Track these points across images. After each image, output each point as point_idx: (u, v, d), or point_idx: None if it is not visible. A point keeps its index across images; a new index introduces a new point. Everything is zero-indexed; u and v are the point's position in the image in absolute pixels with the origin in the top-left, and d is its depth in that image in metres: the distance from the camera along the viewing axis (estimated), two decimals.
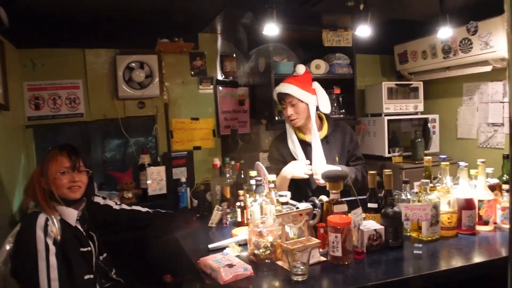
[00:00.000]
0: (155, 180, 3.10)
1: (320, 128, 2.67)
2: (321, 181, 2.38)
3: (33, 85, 3.15)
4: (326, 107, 2.61)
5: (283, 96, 2.58)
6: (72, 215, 1.92)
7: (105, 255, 2.08)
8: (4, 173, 2.48)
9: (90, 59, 3.28)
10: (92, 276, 1.89)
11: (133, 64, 3.28)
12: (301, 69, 2.63)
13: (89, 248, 1.95)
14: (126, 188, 3.08)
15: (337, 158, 2.61)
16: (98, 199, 2.29)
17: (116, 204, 2.36)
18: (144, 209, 2.46)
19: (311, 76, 2.68)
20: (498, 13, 3.08)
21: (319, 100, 2.59)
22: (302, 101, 2.54)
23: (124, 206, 2.39)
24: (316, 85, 2.63)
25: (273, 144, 2.82)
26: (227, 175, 2.61)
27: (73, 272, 1.81)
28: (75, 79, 3.25)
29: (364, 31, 2.58)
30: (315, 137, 2.57)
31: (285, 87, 2.57)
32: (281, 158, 2.68)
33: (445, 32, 2.86)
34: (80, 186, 1.96)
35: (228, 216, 2.41)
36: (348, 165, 2.68)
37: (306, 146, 2.61)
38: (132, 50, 3.32)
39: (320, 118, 2.71)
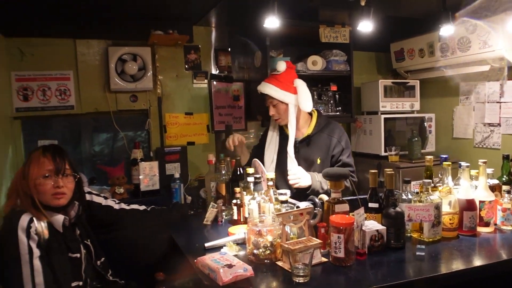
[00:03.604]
0: (147, 175, 3.01)
1: (305, 127, 2.60)
2: (291, 182, 2.37)
3: (21, 76, 3.06)
4: (306, 106, 2.51)
5: (264, 96, 2.55)
6: (58, 221, 1.78)
7: (103, 259, 2.00)
8: None
9: (81, 49, 3.19)
10: (80, 283, 1.80)
11: (126, 56, 3.21)
12: (281, 66, 2.54)
13: (78, 255, 1.84)
14: (118, 183, 3.00)
15: (318, 161, 2.53)
16: (99, 200, 2.18)
17: (116, 203, 2.27)
18: (142, 207, 2.38)
19: (293, 72, 2.59)
20: (498, 12, 3.05)
21: (299, 98, 2.49)
22: (282, 102, 2.49)
23: (124, 206, 2.29)
24: (298, 83, 2.53)
25: (267, 131, 2.77)
26: (223, 172, 2.54)
27: (58, 277, 1.69)
28: (65, 70, 3.16)
29: (366, 26, 2.52)
30: (291, 137, 2.51)
31: (264, 87, 2.52)
32: (261, 147, 2.71)
33: (447, 30, 2.82)
34: (65, 193, 1.80)
35: (223, 213, 2.35)
36: None
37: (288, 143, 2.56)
38: (124, 42, 3.25)
39: (310, 115, 2.63)
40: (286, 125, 2.58)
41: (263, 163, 2.55)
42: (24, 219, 1.66)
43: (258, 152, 2.73)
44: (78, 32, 3.16)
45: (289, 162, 2.48)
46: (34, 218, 1.69)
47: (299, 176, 2.37)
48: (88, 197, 2.10)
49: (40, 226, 1.70)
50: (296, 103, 2.50)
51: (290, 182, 2.38)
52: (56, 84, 3.13)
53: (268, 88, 2.50)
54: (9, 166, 2.83)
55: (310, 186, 2.38)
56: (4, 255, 1.65)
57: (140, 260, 2.35)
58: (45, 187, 1.75)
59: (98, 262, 1.97)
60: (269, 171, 2.50)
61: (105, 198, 2.24)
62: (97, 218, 2.13)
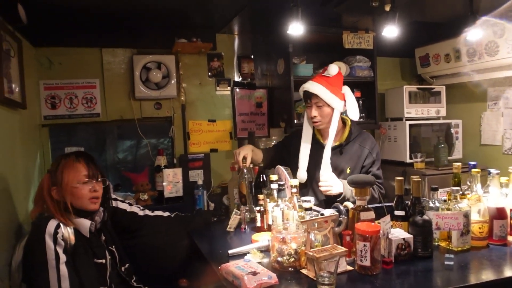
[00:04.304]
0: (171, 182, 3.04)
1: (339, 135, 2.53)
2: (323, 188, 2.32)
3: (49, 84, 3.14)
4: (355, 114, 2.46)
5: (309, 95, 2.44)
6: (85, 226, 1.82)
7: (127, 265, 2.02)
8: (20, 172, 2.45)
9: (107, 58, 3.26)
10: None
11: (150, 64, 3.25)
12: (333, 69, 2.47)
13: (104, 261, 1.86)
14: (142, 190, 3.04)
15: (348, 170, 2.46)
16: (124, 206, 2.21)
17: (140, 210, 2.29)
18: (166, 214, 2.40)
19: (342, 78, 2.52)
20: None
21: (348, 106, 2.44)
22: (328, 105, 2.41)
23: (148, 212, 2.32)
24: (346, 90, 2.48)
25: (293, 133, 2.72)
26: (245, 170, 2.47)
27: (83, 283, 1.72)
28: (92, 78, 3.22)
29: (391, 31, 2.49)
30: (328, 144, 2.44)
31: (314, 87, 2.41)
32: (285, 146, 2.67)
33: (474, 34, 2.76)
34: (99, 197, 1.87)
35: (246, 213, 2.32)
36: None
37: (320, 149, 2.49)
38: (149, 50, 3.30)
39: (344, 123, 2.56)
40: (319, 131, 2.55)
41: (287, 165, 2.55)
42: (51, 225, 1.70)
43: (281, 152, 2.70)
44: (104, 41, 3.23)
45: (322, 168, 2.41)
46: (61, 224, 1.72)
47: (331, 184, 2.31)
48: (113, 203, 2.13)
49: (67, 231, 1.73)
50: (342, 109, 2.44)
51: (322, 189, 2.33)
52: (83, 92, 3.20)
53: (318, 88, 2.40)
54: (37, 172, 2.90)
55: (341, 194, 2.33)
56: (31, 260, 1.69)
57: (163, 266, 2.36)
58: (82, 192, 1.80)
59: (123, 268, 1.99)
60: (302, 177, 2.47)
61: (130, 204, 2.27)
62: (122, 224, 2.16)
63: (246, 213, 2.33)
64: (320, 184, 2.34)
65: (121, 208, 2.19)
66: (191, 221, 2.40)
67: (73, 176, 1.80)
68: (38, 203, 1.83)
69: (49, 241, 1.66)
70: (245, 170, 2.47)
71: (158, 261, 2.36)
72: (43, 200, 1.80)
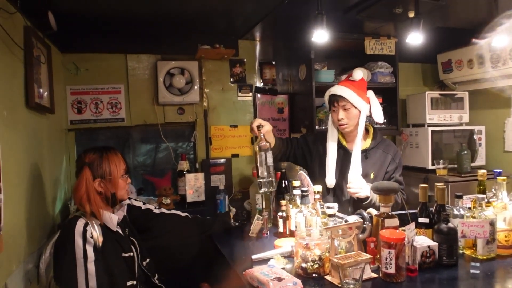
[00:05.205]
0: (193, 186, 3.08)
1: (363, 140, 2.53)
2: (352, 190, 2.30)
3: (76, 89, 3.21)
4: (379, 117, 2.48)
5: (337, 99, 2.46)
6: (113, 219, 1.87)
7: (148, 260, 2.04)
8: (48, 176, 2.51)
9: (132, 64, 3.32)
10: (134, 282, 1.85)
11: (174, 70, 3.30)
12: (358, 74, 2.50)
13: (131, 253, 1.90)
14: (165, 194, 3.08)
15: (372, 175, 2.47)
16: (139, 204, 2.26)
17: (156, 208, 2.33)
18: (183, 214, 2.42)
19: (366, 83, 2.55)
20: None
21: (373, 109, 2.47)
22: (355, 107, 2.43)
23: (164, 210, 2.35)
24: (370, 94, 2.50)
25: (315, 137, 2.70)
26: (262, 136, 2.24)
27: (114, 278, 1.76)
28: (117, 84, 3.29)
29: (415, 38, 2.48)
30: (357, 146, 2.44)
31: (341, 90, 2.45)
32: (307, 145, 2.63)
33: (499, 40, 2.73)
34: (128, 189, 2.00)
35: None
36: None
37: (344, 153, 2.51)
38: (173, 56, 3.35)
39: (366, 130, 2.57)
40: (343, 135, 2.56)
41: (305, 166, 2.58)
42: (80, 224, 1.74)
43: (302, 150, 2.66)
44: (129, 47, 3.30)
45: (352, 170, 2.41)
46: (91, 222, 1.76)
47: (360, 186, 2.31)
48: (127, 201, 2.17)
49: (95, 229, 1.77)
50: (367, 112, 2.47)
51: (351, 190, 2.33)
52: (108, 98, 3.27)
53: (345, 91, 2.44)
54: (64, 175, 2.97)
55: (368, 197, 2.33)
56: (61, 258, 1.73)
57: (182, 268, 2.37)
58: (123, 183, 1.92)
59: (144, 263, 2.01)
60: (331, 183, 2.48)
61: (144, 203, 2.30)
62: (138, 222, 2.17)
63: (266, 216, 2.33)
64: (349, 185, 2.34)
65: (136, 205, 2.23)
66: (211, 225, 2.41)
67: (119, 170, 1.89)
68: (83, 198, 1.80)
69: (78, 240, 1.70)
70: (262, 136, 2.32)
71: (176, 262, 2.38)
72: (87, 194, 1.81)
